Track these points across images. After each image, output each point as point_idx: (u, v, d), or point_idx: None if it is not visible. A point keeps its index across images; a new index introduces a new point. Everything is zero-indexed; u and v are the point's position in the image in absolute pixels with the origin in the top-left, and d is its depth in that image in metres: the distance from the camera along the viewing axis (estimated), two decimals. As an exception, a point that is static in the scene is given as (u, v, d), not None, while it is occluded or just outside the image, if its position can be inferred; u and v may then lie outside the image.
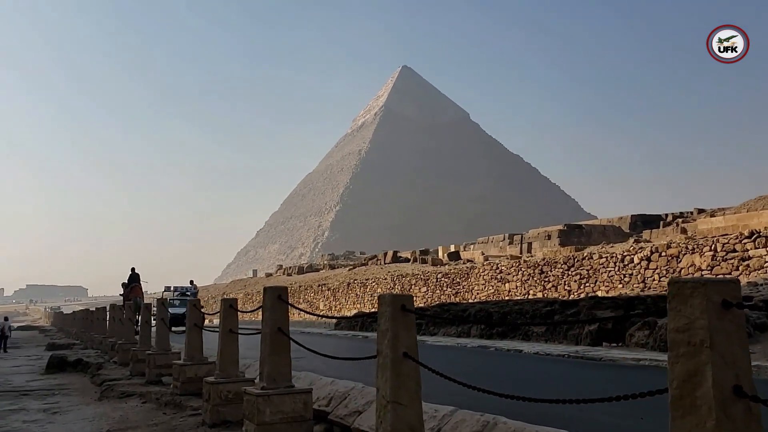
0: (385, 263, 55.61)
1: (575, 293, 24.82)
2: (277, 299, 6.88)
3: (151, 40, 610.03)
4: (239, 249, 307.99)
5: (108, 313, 23.87)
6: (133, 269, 26.91)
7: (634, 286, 22.42)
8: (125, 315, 17.97)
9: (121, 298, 26.76)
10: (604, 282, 23.81)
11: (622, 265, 23.30)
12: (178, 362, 11.28)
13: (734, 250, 19.84)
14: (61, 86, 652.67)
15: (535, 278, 26.90)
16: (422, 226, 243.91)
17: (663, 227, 66.00)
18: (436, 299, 33.21)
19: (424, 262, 50.82)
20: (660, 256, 22.03)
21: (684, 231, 54.67)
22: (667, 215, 75.29)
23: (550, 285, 25.85)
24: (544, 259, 27.12)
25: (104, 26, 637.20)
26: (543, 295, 25.42)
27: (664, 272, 21.67)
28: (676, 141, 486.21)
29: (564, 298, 21.85)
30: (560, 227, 58.80)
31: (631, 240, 52.53)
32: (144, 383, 13.26)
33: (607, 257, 24.06)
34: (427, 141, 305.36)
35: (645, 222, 71.13)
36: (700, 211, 68.35)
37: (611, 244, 41.69)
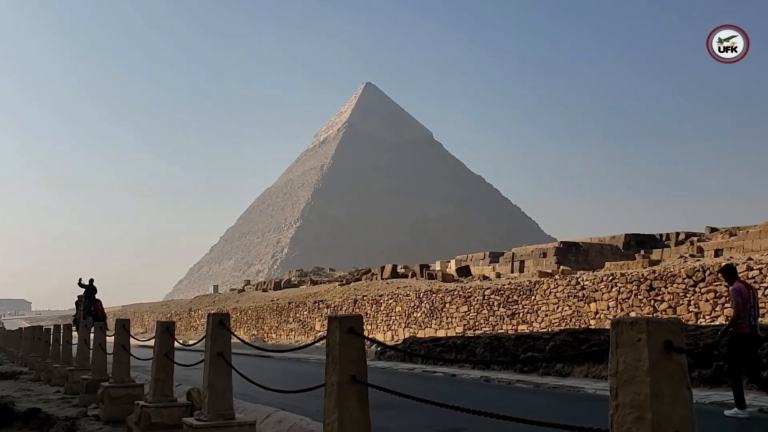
0: (382, 278, 48.89)
1: (707, 316, 18.74)
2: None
3: (103, 51, 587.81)
4: (190, 265, 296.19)
5: (74, 333, 16.82)
6: (91, 281, 23.47)
7: (811, 309, 16.51)
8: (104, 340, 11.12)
9: (79, 312, 22.96)
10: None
11: (789, 280, 17.35)
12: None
13: None
14: (12, 94, 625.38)
15: (639, 296, 20.60)
16: (383, 245, 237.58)
17: (676, 246, 61.40)
18: (482, 321, 26.63)
19: (431, 277, 44.45)
20: None
21: (700, 250, 49.87)
22: (661, 235, 71.65)
23: (665, 305, 19.64)
24: (654, 272, 20.83)
25: (55, 36, 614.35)
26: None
27: None
28: (645, 163, 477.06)
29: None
30: (556, 245, 54.97)
31: (639, 257, 47.30)
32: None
33: (761, 269, 18.02)
34: (390, 159, 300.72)
35: (639, 242, 67.94)
36: (713, 230, 64.15)
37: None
